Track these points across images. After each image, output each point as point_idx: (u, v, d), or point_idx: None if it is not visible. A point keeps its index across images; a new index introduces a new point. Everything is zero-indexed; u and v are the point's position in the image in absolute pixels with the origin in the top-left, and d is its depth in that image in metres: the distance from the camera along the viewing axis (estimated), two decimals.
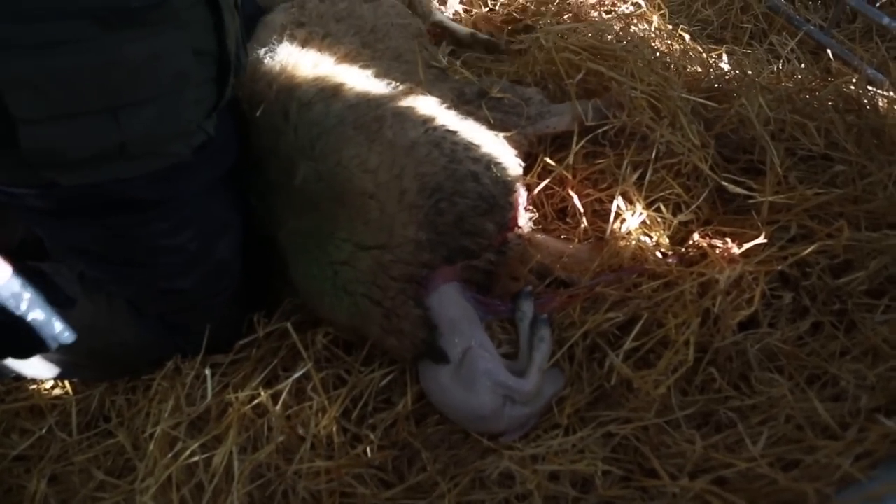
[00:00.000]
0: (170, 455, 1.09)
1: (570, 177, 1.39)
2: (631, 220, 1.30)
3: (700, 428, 1.09)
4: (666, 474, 1.02)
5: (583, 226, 1.36)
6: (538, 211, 1.44)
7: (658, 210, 1.32)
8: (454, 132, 1.28)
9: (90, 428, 1.19)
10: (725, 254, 1.22)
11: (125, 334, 1.22)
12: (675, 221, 1.31)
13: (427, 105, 1.31)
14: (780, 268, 1.21)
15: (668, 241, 1.29)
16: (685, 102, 1.41)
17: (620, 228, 1.31)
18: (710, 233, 1.28)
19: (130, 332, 1.22)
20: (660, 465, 1.04)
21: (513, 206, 1.29)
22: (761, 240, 1.19)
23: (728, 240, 1.24)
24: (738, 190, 1.27)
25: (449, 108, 1.34)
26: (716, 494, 0.95)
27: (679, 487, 0.96)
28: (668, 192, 1.32)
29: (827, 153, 1.33)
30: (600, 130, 1.43)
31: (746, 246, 1.21)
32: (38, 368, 1.20)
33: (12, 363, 1.18)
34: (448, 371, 1.15)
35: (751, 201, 1.26)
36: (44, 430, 1.19)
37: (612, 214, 1.32)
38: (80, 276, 1.19)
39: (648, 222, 1.31)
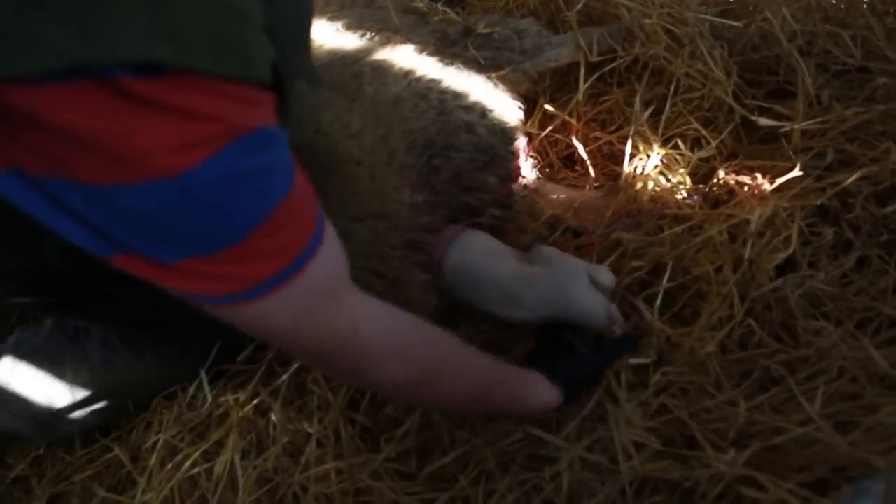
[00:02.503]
0: (169, 466, 1.02)
1: (573, 122, 1.25)
2: (648, 159, 1.17)
3: (742, 388, 0.99)
4: (709, 444, 0.92)
5: (591, 174, 1.23)
6: (542, 159, 1.31)
7: (676, 147, 1.18)
8: (440, 80, 1.15)
9: (89, 443, 1.12)
10: (755, 191, 1.09)
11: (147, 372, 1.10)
12: (696, 158, 1.17)
13: (407, 54, 1.18)
14: (818, 202, 1.08)
15: (689, 180, 1.16)
16: (703, 24, 1.25)
17: (636, 170, 1.18)
18: (735, 169, 1.15)
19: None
20: (701, 433, 0.94)
21: (514, 155, 1.17)
22: (796, 172, 1.06)
23: (758, 175, 1.11)
24: (769, 122, 1.12)
25: (432, 54, 1.21)
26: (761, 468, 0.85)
27: (724, 464, 0.86)
28: (685, 128, 1.18)
29: (864, 65, 1.18)
30: (608, 67, 1.28)
31: (780, 181, 1.08)
32: None
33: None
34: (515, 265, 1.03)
35: (782, 130, 1.11)
36: (41, 450, 1.12)
37: (627, 155, 1.19)
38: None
39: (666, 161, 1.18)
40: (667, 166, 1.19)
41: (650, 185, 1.15)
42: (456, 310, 1.11)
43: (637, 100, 1.23)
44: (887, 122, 1.11)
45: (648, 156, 1.17)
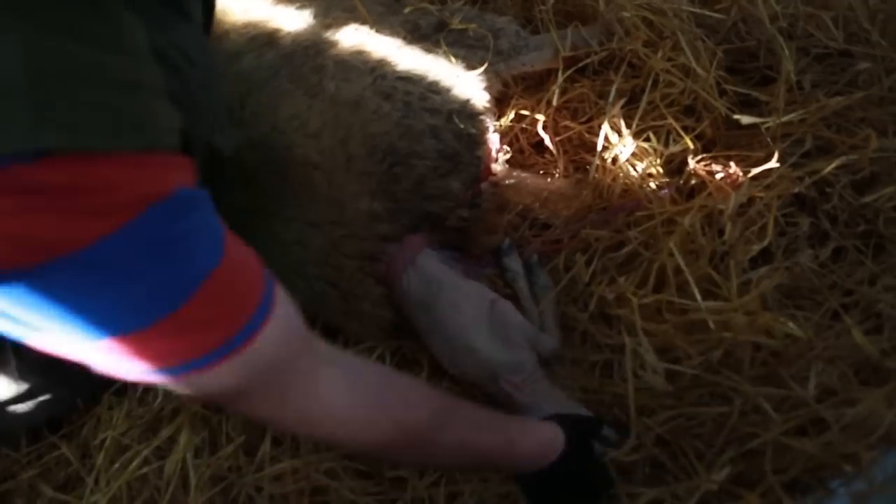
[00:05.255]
0: (117, 465, 0.99)
1: (541, 118, 1.21)
2: (620, 150, 1.13)
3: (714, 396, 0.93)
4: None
5: (561, 164, 1.19)
6: (512, 145, 1.27)
7: (650, 140, 1.14)
8: (407, 79, 1.10)
9: (36, 440, 1.08)
10: (729, 180, 1.04)
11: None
12: (669, 151, 1.13)
13: (375, 47, 1.13)
14: (795, 190, 1.03)
15: (661, 171, 1.12)
16: (683, 13, 1.20)
17: (608, 160, 1.14)
18: (709, 160, 1.10)
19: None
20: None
21: (482, 160, 1.13)
22: (773, 164, 1.00)
23: (732, 164, 1.06)
24: (751, 119, 1.07)
25: (401, 47, 1.16)
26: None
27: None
28: (661, 122, 1.14)
29: (846, 48, 1.13)
30: (581, 64, 1.24)
31: (756, 170, 1.03)
32: None
33: None
34: (480, 332, 1.02)
35: (765, 126, 1.06)
36: None
37: (600, 145, 1.14)
38: None
39: (639, 153, 1.13)
40: (639, 158, 1.14)
41: (621, 175, 1.11)
42: (409, 324, 1.08)
43: (612, 90, 1.19)
44: (868, 108, 1.06)
45: (621, 148, 1.13)
